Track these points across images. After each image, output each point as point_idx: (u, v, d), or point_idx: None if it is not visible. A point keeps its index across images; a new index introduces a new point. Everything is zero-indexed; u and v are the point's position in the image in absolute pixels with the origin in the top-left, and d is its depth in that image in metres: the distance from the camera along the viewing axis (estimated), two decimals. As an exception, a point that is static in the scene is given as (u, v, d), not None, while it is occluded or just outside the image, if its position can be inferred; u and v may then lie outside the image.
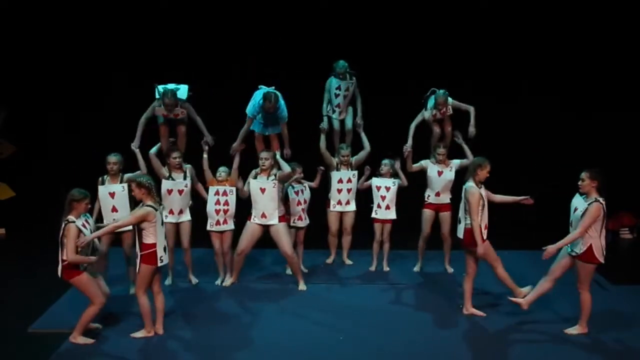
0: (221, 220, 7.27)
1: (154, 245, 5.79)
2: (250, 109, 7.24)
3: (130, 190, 5.93)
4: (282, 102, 7.18)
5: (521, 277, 7.66)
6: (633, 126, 9.73)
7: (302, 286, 7.28)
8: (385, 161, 7.69)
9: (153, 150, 7.18)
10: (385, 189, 7.64)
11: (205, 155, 7.25)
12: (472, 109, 7.53)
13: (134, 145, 7.11)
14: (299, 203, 7.56)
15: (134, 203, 6.24)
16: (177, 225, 7.23)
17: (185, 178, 7.17)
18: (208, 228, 7.32)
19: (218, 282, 7.44)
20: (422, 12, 9.70)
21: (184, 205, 7.21)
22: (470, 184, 6.12)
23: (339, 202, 7.82)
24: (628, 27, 9.55)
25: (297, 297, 7.07)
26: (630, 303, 6.78)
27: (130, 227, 6.05)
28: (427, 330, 6.18)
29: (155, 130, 7.32)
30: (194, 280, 7.44)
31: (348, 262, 8.10)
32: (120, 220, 6.00)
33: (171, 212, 7.13)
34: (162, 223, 5.90)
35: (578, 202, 5.86)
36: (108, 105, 9.44)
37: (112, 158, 6.88)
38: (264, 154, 7.12)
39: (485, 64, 9.75)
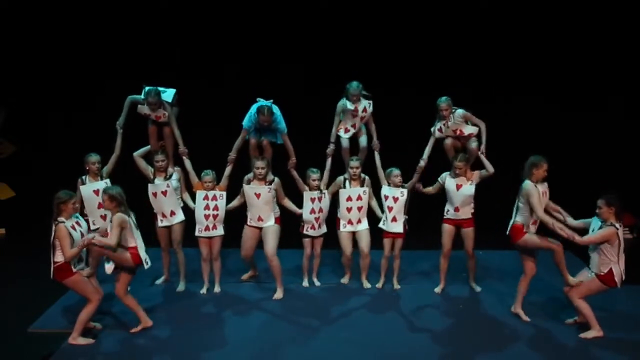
0: (210, 226, 7.04)
1: (135, 248, 5.91)
2: (246, 121, 7.02)
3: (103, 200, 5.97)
4: (278, 113, 6.97)
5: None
6: (633, 126, 9.73)
7: (279, 294, 7.02)
8: (394, 170, 7.17)
9: (138, 152, 7.08)
10: (393, 200, 7.10)
11: (185, 158, 7.12)
12: (483, 125, 6.98)
13: (119, 124, 7.08)
14: (312, 211, 7.12)
15: None
16: (170, 229, 7.16)
17: (167, 179, 7.05)
18: (197, 234, 7.08)
19: (203, 290, 7.16)
20: (419, 15, 9.69)
21: (173, 206, 7.08)
22: (527, 182, 6.06)
23: (350, 222, 7.19)
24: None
25: (296, 298, 7.03)
26: (630, 303, 6.76)
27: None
28: (426, 335, 6.15)
29: (144, 132, 7.26)
30: (182, 286, 7.24)
31: (367, 285, 7.34)
32: (105, 240, 5.81)
33: (163, 215, 7.08)
34: (137, 227, 5.98)
35: (596, 225, 5.97)
36: (107, 105, 9.43)
37: (93, 158, 6.87)
38: (259, 163, 6.88)
39: (489, 66, 9.73)
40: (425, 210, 7.43)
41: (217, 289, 7.22)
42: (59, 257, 5.71)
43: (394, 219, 7.13)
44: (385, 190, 7.18)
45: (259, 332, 6.14)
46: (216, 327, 6.26)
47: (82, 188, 6.83)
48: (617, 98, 9.82)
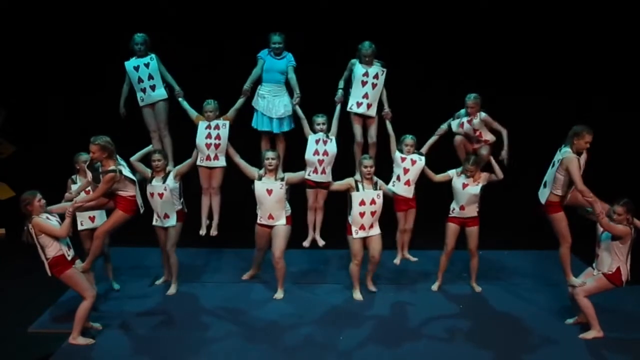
0: (212, 156, 6.85)
1: (133, 196, 5.95)
2: (261, 53, 7.11)
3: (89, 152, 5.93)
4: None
5: (522, 276, 7.71)
6: (633, 125, 9.72)
7: (279, 294, 6.95)
8: (407, 137, 6.95)
9: (134, 157, 6.94)
10: (411, 162, 6.90)
11: (181, 99, 7.06)
12: (505, 132, 6.95)
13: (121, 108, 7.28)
14: (316, 152, 6.80)
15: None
16: (165, 230, 7.06)
17: (165, 182, 6.89)
18: (197, 163, 6.93)
19: (202, 231, 7.06)
20: (420, 12, 9.67)
21: (168, 210, 6.94)
22: (566, 149, 5.95)
23: (362, 227, 6.73)
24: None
25: (297, 299, 7.01)
26: (631, 303, 6.75)
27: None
28: (426, 335, 6.15)
29: (145, 138, 7.27)
30: (173, 289, 7.10)
31: (372, 288, 7.15)
32: (88, 196, 6.03)
33: (157, 215, 7.03)
34: (132, 173, 6.03)
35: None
36: (107, 105, 9.42)
37: (83, 157, 6.76)
38: (270, 154, 6.76)
39: (488, 66, 9.71)
40: (429, 211, 7.42)
41: (214, 230, 7.07)
42: (49, 253, 5.71)
43: (408, 183, 6.92)
44: (403, 153, 6.98)
45: (258, 333, 6.13)
46: (216, 327, 6.25)
47: (73, 187, 6.82)
48: (618, 98, 9.81)
